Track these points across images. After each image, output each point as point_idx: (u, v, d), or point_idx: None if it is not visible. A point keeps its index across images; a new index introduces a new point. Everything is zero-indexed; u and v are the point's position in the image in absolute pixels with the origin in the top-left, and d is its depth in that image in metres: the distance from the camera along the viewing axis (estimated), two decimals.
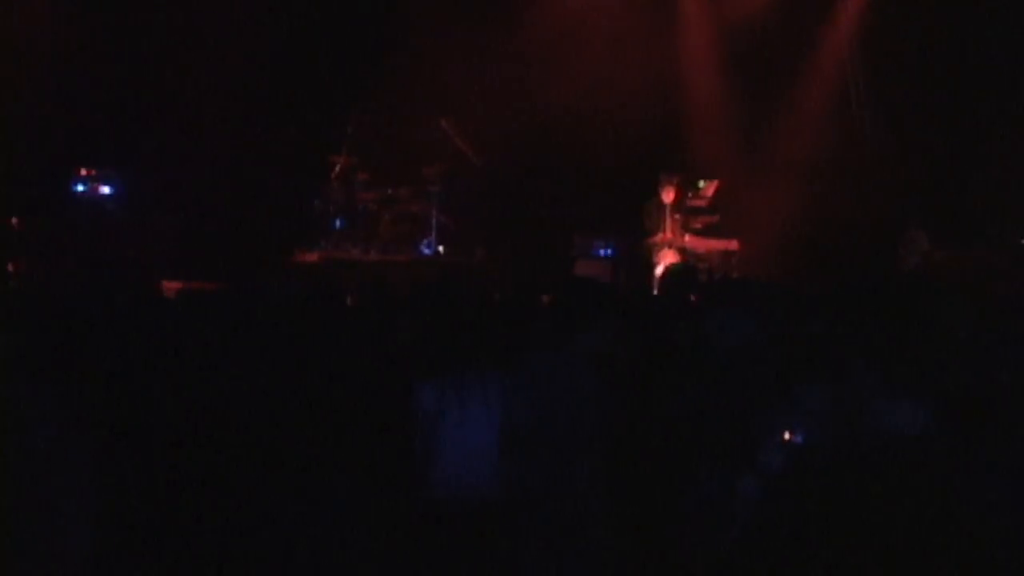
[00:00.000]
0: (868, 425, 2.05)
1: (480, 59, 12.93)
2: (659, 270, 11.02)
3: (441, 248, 12.50)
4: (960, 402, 2.02)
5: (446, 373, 4.20)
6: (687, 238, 11.83)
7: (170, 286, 7.71)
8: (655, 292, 8.64)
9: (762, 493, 3.03)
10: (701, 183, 12.48)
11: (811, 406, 3.51)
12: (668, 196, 11.69)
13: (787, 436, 3.22)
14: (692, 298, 6.32)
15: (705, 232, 12.21)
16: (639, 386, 4.42)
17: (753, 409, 3.69)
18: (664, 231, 11.67)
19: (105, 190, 11.91)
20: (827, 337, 3.91)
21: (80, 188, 11.84)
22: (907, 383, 2.01)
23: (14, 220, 10.76)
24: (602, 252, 12.37)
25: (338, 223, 12.35)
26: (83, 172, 11.85)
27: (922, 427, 1.98)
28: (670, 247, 11.61)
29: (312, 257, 11.97)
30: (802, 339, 4.34)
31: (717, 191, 12.42)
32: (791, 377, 3.76)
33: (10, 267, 9.77)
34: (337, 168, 12.32)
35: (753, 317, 4.29)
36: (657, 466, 4.17)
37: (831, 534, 1.87)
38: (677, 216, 11.77)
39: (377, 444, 4.24)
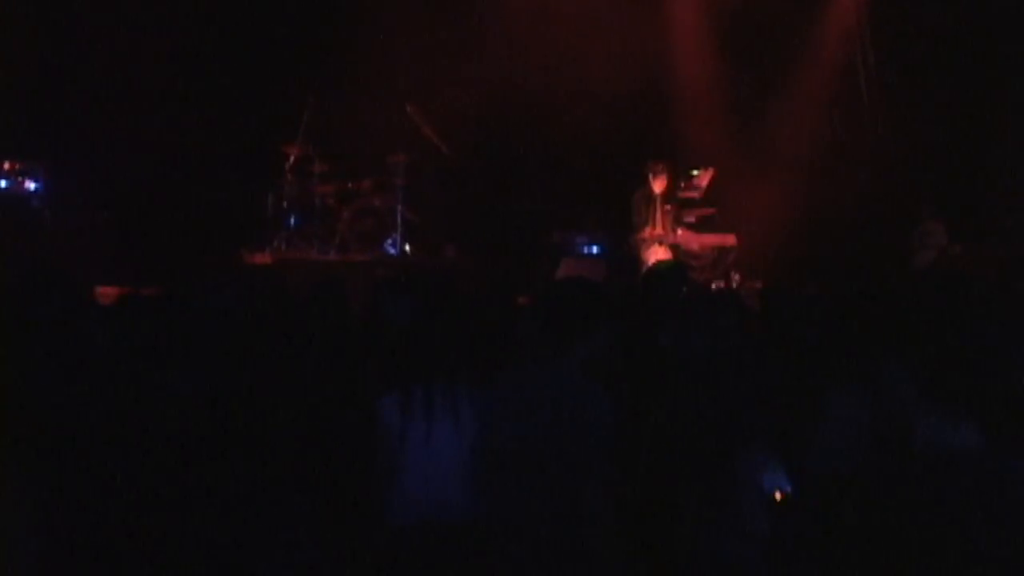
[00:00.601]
0: (914, 442, 2.10)
1: (449, 38, 12.96)
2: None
3: (408, 247, 12.46)
4: (1011, 414, 2.04)
5: (412, 384, 4.18)
6: (680, 233, 11.82)
7: (105, 292, 7.70)
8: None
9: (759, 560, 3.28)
10: (694, 172, 12.39)
11: (840, 412, 3.69)
12: (658, 186, 11.61)
13: (778, 496, 3.32)
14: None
15: (699, 226, 12.20)
16: (630, 401, 4.46)
17: (733, 433, 3.78)
18: (654, 225, 11.63)
19: (31, 186, 11.83)
20: (842, 340, 4.02)
21: (2, 184, 11.75)
22: (956, 396, 2.05)
23: None
24: (587, 249, 12.46)
25: (293, 220, 12.35)
26: (6, 166, 11.77)
27: (974, 442, 2.02)
28: (660, 243, 11.58)
29: (264, 258, 11.94)
30: (802, 344, 4.49)
31: (712, 181, 12.33)
32: (786, 387, 3.86)
33: None
34: (291, 159, 12.30)
35: (735, 321, 4.50)
36: (647, 497, 4.23)
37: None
38: (668, 208, 11.71)
39: (336, 464, 4.27)
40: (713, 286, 11.25)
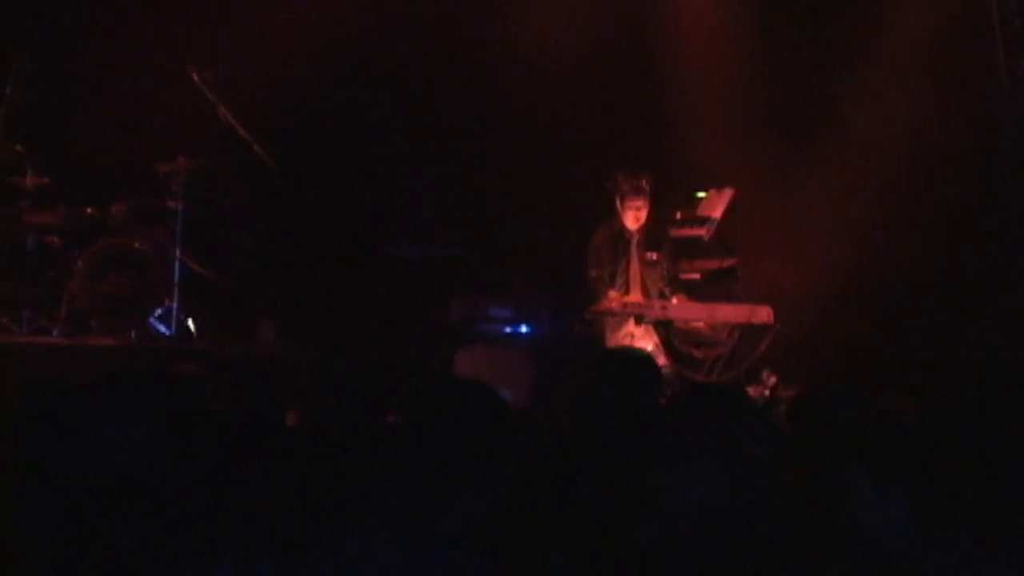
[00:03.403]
0: None
1: None
2: None
3: (191, 323, 12.21)
4: None
5: (181, 565, 4.38)
6: (675, 301, 11.54)
7: None
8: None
9: None
10: (701, 194, 12.24)
11: None
12: (634, 218, 11.53)
13: None
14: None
15: (709, 289, 11.97)
16: None
17: None
18: (626, 288, 11.50)
19: None
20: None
21: None
22: None
23: None
24: (509, 330, 12.19)
25: None
26: None
27: None
28: (639, 320, 11.34)
29: None
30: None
31: (731, 210, 12.06)
32: None
33: None
34: None
35: (740, 459, 4.51)
36: None
37: None
38: (654, 257, 11.58)
39: None
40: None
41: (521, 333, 12.20)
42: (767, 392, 11.09)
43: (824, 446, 5.05)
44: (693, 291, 11.81)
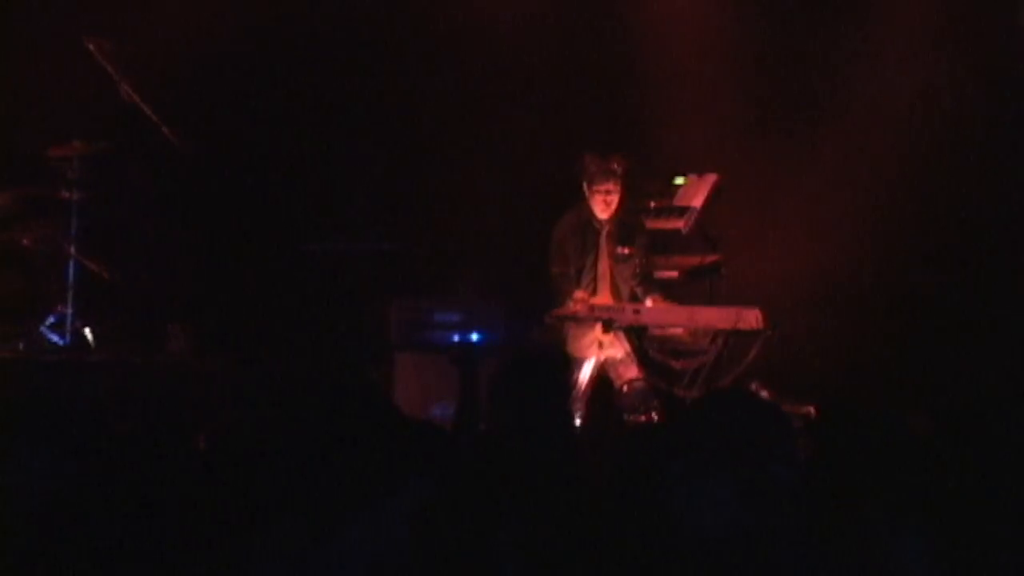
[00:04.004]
0: None
1: None
2: (583, 374, 10.98)
3: (88, 332, 11.85)
4: None
5: None
6: (649, 303, 11.23)
7: None
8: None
9: None
10: (679, 180, 12.14)
11: None
12: (603, 206, 11.17)
13: None
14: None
15: (689, 289, 11.89)
16: None
17: None
18: (596, 286, 11.29)
19: None
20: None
21: None
22: None
23: None
24: (458, 337, 11.97)
25: None
26: None
27: None
28: (608, 326, 11.04)
29: None
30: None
31: (714, 198, 12.00)
32: None
33: None
34: None
35: (764, 479, 4.55)
36: None
37: None
38: (625, 252, 11.27)
39: None
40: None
41: (470, 341, 11.76)
42: None
43: (842, 474, 4.98)
44: (670, 291, 11.55)
